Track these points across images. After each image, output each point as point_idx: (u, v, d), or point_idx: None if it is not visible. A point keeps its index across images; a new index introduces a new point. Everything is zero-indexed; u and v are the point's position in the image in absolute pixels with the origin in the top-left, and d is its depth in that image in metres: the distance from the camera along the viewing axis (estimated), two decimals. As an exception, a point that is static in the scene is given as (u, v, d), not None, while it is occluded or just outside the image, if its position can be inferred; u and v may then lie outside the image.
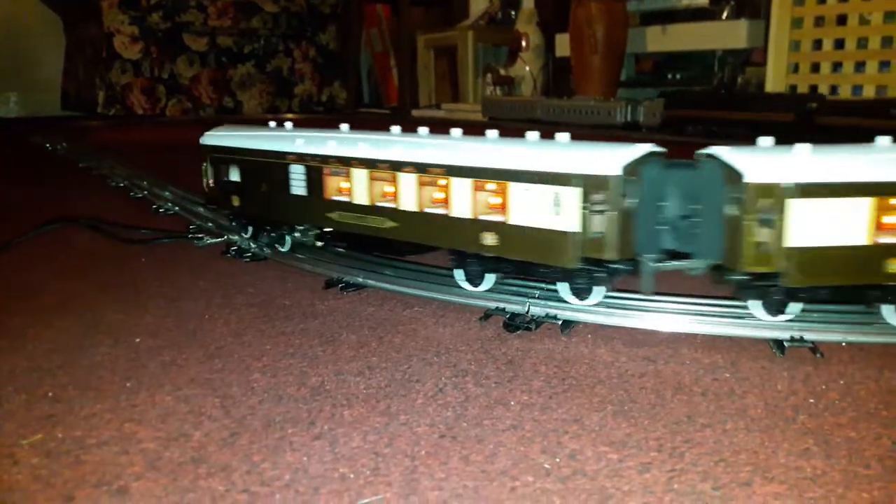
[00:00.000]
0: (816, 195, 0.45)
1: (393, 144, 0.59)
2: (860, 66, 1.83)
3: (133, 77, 3.07)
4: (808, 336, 0.48)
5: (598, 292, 0.53)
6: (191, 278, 0.68)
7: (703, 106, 2.00)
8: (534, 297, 0.56)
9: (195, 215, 0.94)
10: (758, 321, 0.50)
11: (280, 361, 0.48)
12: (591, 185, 0.48)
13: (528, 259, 0.53)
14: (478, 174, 0.54)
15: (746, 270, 0.47)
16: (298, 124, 0.71)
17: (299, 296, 0.62)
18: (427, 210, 0.57)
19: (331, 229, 0.68)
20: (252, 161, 0.71)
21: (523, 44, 2.72)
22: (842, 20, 1.85)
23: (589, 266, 0.50)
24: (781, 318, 0.50)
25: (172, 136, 2.42)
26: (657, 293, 0.54)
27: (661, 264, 0.50)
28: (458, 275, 0.59)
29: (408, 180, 0.57)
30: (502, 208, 0.53)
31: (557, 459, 0.35)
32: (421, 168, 0.56)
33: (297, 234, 0.71)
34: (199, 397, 0.43)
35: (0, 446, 0.37)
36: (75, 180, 1.38)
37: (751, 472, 0.34)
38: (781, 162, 0.45)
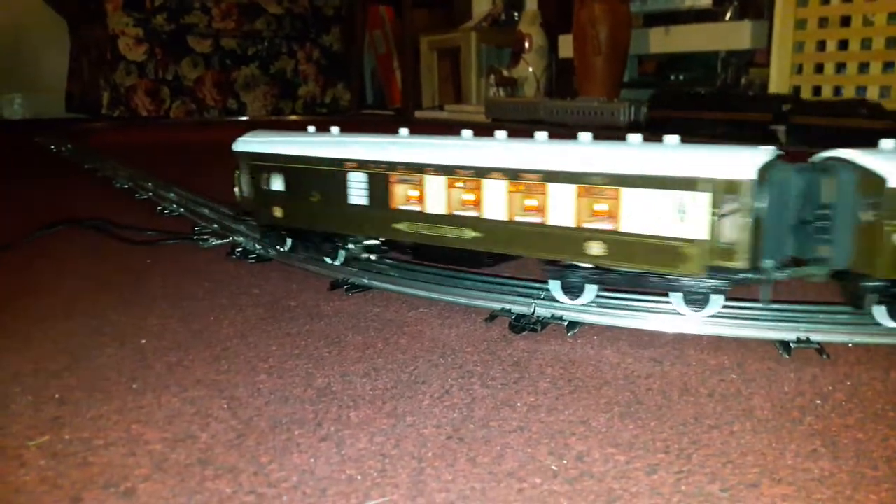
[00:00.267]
0: None
1: (475, 150, 0.55)
2: (864, 66, 1.83)
3: (137, 79, 3.08)
4: (814, 337, 0.48)
5: (716, 302, 0.50)
6: (196, 279, 0.68)
7: (684, 106, 2.02)
8: (539, 299, 0.56)
9: (200, 216, 0.94)
10: (760, 322, 0.50)
11: (286, 363, 0.48)
12: (722, 189, 0.45)
13: (643, 269, 0.50)
14: (582, 179, 0.50)
15: (884, 277, 0.45)
16: (347, 129, 0.66)
17: (305, 297, 0.62)
18: (518, 218, 0.53)
19: (393, 241, 0.64)
20: (301, 169, 0.66)
21: (526, 45, 2.72)
22: (845, 21, 1.85)
23: (715, 275, 0.47)
24: None
25: (177, 137, 2.43)
26: (659, 294, 0.54)
27: (784, 272, 0.47)
28: (555, 287, 0.55)
29: (495, 187, 0.54)
30: (611, 215, 0.49)
31: (565, 461, 0.35)
32: (512, 174, 0.53)
33: (351, 247, 0.66)
34: (206, 399, 0.43)
35: (7, 448, 0.37)
36: (80, 181, 1.39)
37: (758, 473, 0.34)
38: None
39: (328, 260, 0.68)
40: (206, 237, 0.82)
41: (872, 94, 1.78)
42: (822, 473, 0.34)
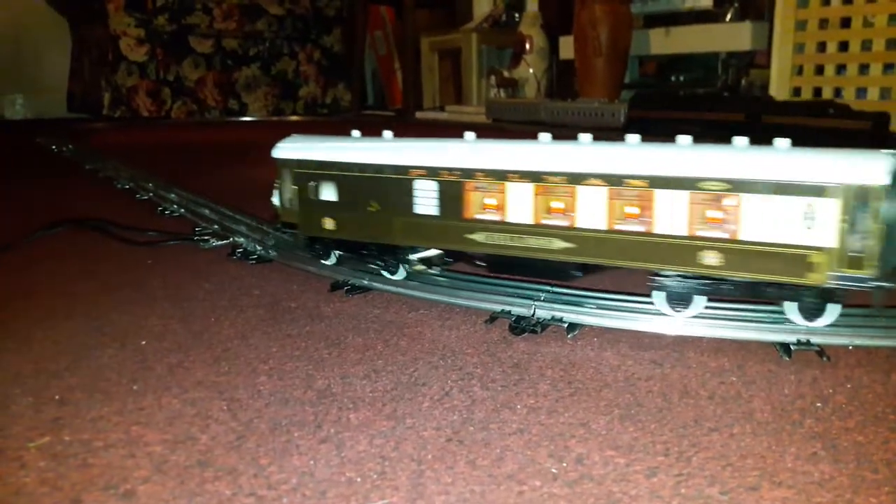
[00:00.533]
0: None
1: (567, 155, 0.52)
2: (864, 68, 1.83)
3: (139, 79, 3.08)
4: (814, 339, 0.48)
5: (833, 312, 0.48)
6: (196, 280, 0.68)
7: (661, 107, 2.05)
8: (539, 300, 0.56)
9: (200, 217, 0.94)
10: (760, 324, 0.50)
11: (286, 364, 0.48)
12: (854, 195, 0.44)
13: (764, 278, 0.47)
14: (696, 185, 0.47)
15: None
16: (400, 134, 0.62)
17: (305, 298, 0.62)
18: (619, 227, 0.50)
19: (464, 253, 0.60)
20: (358, 177, 0.61)
21: (527, 46, 2.72)
22: (846, 23, 1.85)
23: (845, 284, 0.45)
24: None
25: (178, 138, 2.43)
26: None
27: None
28: (659, 298, 0.52)
29: (592, 194, 0.51)
30: (727, 223, 0.47)
31: (564, 464, 0.35)
32: (614, 180, 0.50)
33: (413, 258, 0.62)
34: (206, 400, 0.43)
35: (7, 449, 0.37)
36: (81, 182, 1.39)
37: (758, 476, 0.34)
38: None
39: (386, 274, 0.63)
40: (206, 238, 0.82)
41: (872, 95, 1.78)
42: (823, 476, 0.34)
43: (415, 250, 0.61)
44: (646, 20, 2.42)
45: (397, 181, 0.59)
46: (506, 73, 2.80)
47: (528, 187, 0.53)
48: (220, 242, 0.81)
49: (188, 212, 0.99)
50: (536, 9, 2.81)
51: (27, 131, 2.47)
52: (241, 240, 0.79)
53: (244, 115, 3.32)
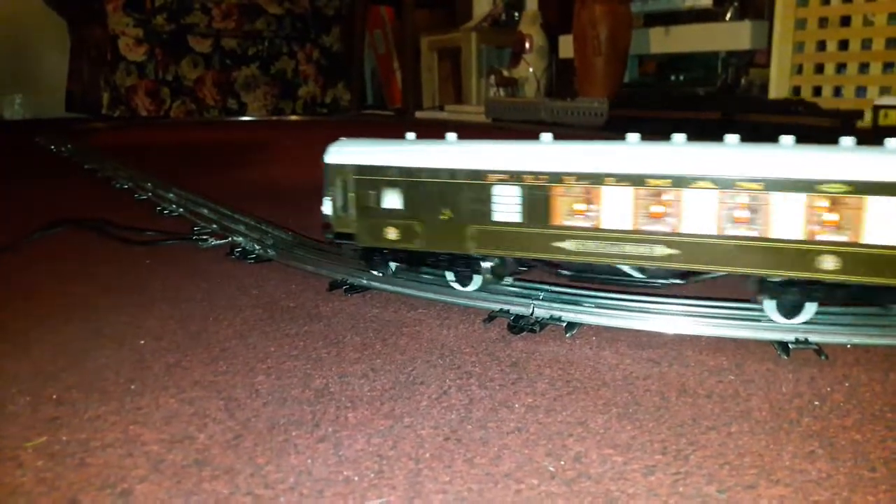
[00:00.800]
0: None
1: (671, 156, 0.49)
2: (864, 67, 1.83)
3: (137, 79, 3.08)
4: (812, 338, 0.48)
5: None
6: (195, 280, 0.68)
7: (642, 106, 2.09)
8: (538, 299, 0.56)
9: (199, 217, 0.94)
10: (759, 323, 0.50)
11: (284, 363, 0.48)
12: None
13: (887, 283, 0.46)
14: (814, 188, 0.46)
15: None
16: (465, 136, 0.59)
17: (303, 297, 0.62)
18: (729, 231, 0.48)
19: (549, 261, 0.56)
20: (428, 183, 0.57)
21: (527, 45, 2.72)
22: (845, 21, 1.85)
23: None
24: None
25: (177, 137, 2.43)
26: (662, 296, 0.54)
27: None
28: (770, 306, 0.50)
29: (698, 198, 0.49)
30: (847, 226, 0.46)
31: (562, 462, 0.35)
32: (724, 183, 0.48)
33: (489, 265, 0.57)
34: (204, 400, 0.43)
35: (4, 449, 0.37)
36: (80, 182, 1.39)
37: (756, 474, 0.34)
38: None
39: (457, 286, 0.60)
40: (205, 237, 0.82)
41: (873, 94, 1.78)
42: (820, 475, 0.34)
43: (489, 260, 0.58)
44: (645, 19, 2.42)
45: (474, 187, 0.56)
46: (505, 73, 2.80)
47: (628, 191, 0.50)
48: (218, 242, 0.81)
49: (187, 211, 0.98)
50: (536, 8, 2.81)
51: (26, 131, 2.47)
52: (240, 239, 0.79)
53: (243, 115, 3.32)
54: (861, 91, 1.82)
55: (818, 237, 0.46)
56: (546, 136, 0.55)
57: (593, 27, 2.25)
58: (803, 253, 0.47)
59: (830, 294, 0.48)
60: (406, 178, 0.58)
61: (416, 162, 0.58)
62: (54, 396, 0.43)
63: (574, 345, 0.51)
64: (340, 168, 0.61)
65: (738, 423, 0.39)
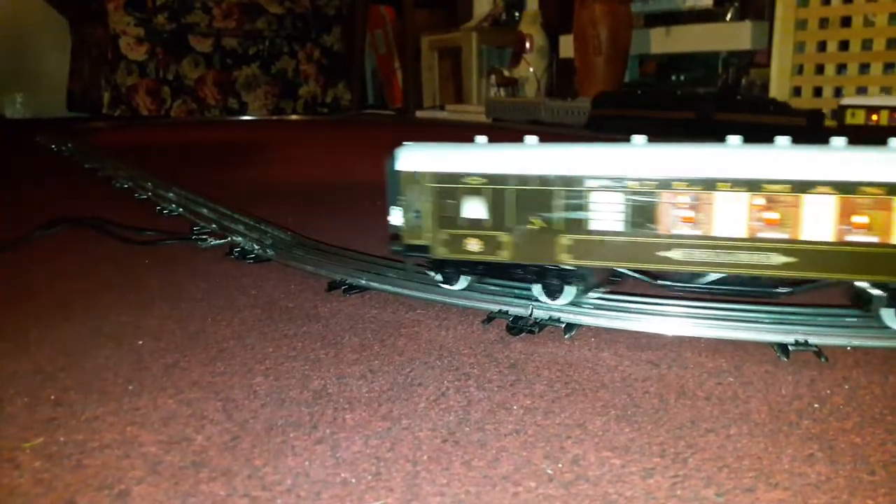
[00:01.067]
0: None
1: (791, 160, 0.47)
2: (864, 67, 1.82)
3: (138, 78, 3.08)
4: (812, 340, 0.48)
5: None
6: (194, 280, 0.68)
7: (619, 105, 2.11)
8: (537, 300, 0.55)
9: (199, 216, 0.94)
10: (758, 325, 0.50)
11: (282, 364, 0.48)
12: None
13: None
14: None
15: None
16: (546, 139, 0.55)
17: (302, 298, 0.62)
18: (849, 238, 0.47)
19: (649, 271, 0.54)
20: (516, 191, 0.54)
21: (527, 45, 2.72)
22: (846, 22, 1.85)
23: None
24: None
25: (177, 137, 2.43)
26: (662, 297, 0.54)
27: None
28: (888, 315, 0.49)
29: (819, 204, 0.47)
30: None
31: (560, 465, 0.35)
32: (845, 188, 0.46)
33: (580, 278, 0.55)
34: (202, 401, 0.43)
35: (2, 450, 0.37)
36: (80, 181, 1.39)
37: (754, 477, 0.34)
38: None
39: (546, 299, 0.56)
40: (204, 237, 0.82)
41: (873, 94, 1.78)
42: (819, 478, 0.34)
43: (582, 271, 0.55)
44: (646, 19, 2.42)
45: (570, 194, 0.52)
46: (506, 73, 2.80)
47: (743, 197, 0.48)
48: (217, 242, 0.81)
49: (186, 211, 0.98)
50: (536, 7, 2.81)
51: (27, 130, 2.47)
52: (239, 239, 0.79)
53: (244, 115, 3.32)
54: (861, 91, 1.82)
55: None
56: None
57: (593, 27, 2.25)
58: None
59: None
60: (491, 186, 0.55)
61: (503, 168, 0.54)
62: (52, 397, 0.43)
63: (573, 346, 0.51)
64: (414, 176, 0.57)
65: (737, 426, 0.39)
